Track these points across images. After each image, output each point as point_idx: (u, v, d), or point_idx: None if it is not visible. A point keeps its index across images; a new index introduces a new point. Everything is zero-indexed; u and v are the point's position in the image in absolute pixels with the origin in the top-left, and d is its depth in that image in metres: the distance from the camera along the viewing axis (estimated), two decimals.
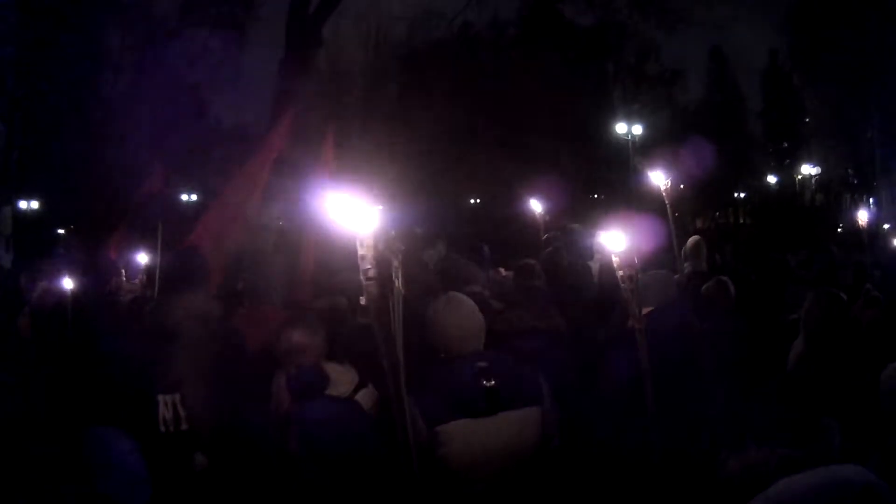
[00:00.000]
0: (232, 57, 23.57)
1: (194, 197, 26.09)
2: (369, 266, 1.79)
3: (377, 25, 28.44)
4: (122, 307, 5.99)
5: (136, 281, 7.05)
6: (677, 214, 5.92)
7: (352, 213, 1.77)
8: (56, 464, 2.07)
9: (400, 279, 1.87)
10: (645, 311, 2.96)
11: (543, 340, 3.81)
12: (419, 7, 27.41)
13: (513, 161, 22.15)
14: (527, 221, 8.69)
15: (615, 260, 2.58)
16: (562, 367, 3.56)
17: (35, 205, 23.60)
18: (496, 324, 3.81)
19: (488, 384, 2.72)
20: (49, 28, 20.72)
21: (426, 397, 2.68)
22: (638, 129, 30.31)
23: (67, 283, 5.13)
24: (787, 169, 37.43)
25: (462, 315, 2.92)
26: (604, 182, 31.44)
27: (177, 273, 4.19)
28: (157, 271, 5.78)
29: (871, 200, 28.74)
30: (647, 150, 26.77)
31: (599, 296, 5.19)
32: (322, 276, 5.30)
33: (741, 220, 38.52)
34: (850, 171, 33.05)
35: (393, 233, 1.85)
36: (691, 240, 6.23)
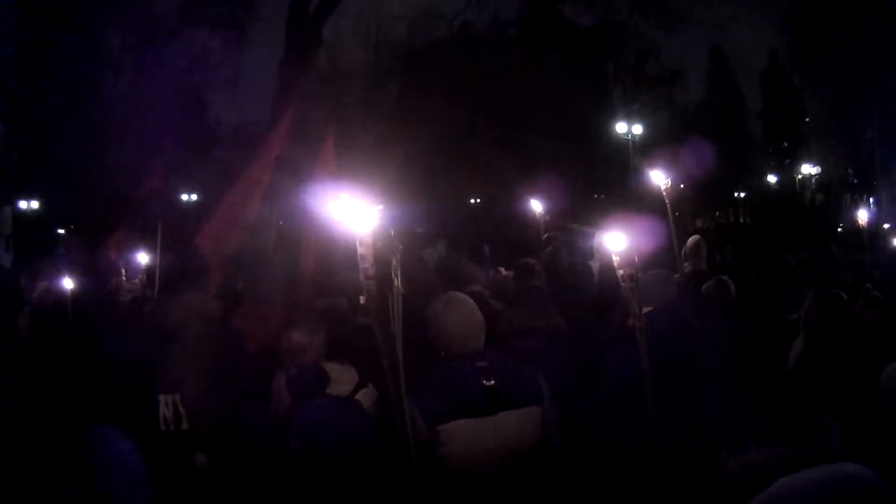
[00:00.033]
0: (232, 57, 23.59)
1: (194, 197, 26.11)
2: (369, 265, 1.79)
3: (377, 25, 28.47)
4: (122, 307, 5.99)
5: (136, 281, 7.05)
6: (677, 214, 5.91)
7: (352, 212, 1.77)
8: (56, 464, 2.07)
9: (399, 278, 1.87)
10: (645, 310, 2.95)
11: (543, 340, 3.81)
12: (419, 7, 27.44)
13: (513, 161, 22.17)
14: (527, 221, 8.69)
15: (615, 259, 2.57)
16: (562, 367, 3.56)
17: (35, 205, 23.60)
18: (496, 323, 3.81)
19: (488, 384, 2.72)
20: (49, 28, 20.73)
21: (426, 397, 2.68)
22: (638, 129, 30.31)
23: (67, 283, 5.13)
24: (787, 169, 37.43)
25: (462, 314, 2.91)
26: (604, 182, 31.46)
27: (177, 273, 4.19)
28: (157, 271, 5.78)
29: (871, 200, 28.74)
30: (647, 150, 26.78)
31: (600, 295, 5.18)
32: (322, 276, 5.30)
33: (741, 220, 38.53)
34: (850, 170, 33.05)
35: (392, 232, 1.85)
36: (691, 239, 6.23)
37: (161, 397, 3.26)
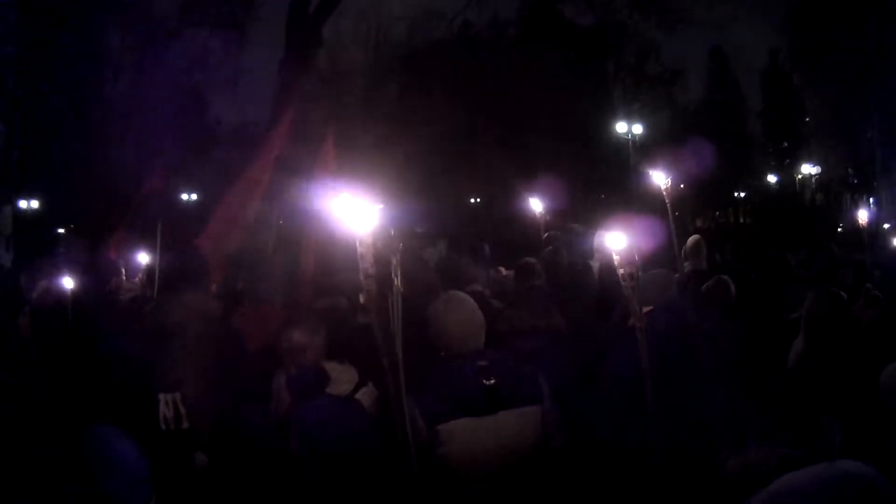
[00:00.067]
0: (232, 57, 23.59)
1: (194, 197, 26.11)
2: (369, 265, 1.79)
3: (377, 25, 28.47)
4: (121, 307, 5.99)
5: (136, 280, 7.05)
6: (677, 214, 5.92)
7: (352, 212, 1.77)
8: (56, 464, 2.07)
9: (399, 278, 1.87)
10: (645, 310, 2.95)
11: (543, 340, 3.80)
12: (419, 7, 27.44)
13: (513, 161, 22.18)
14: (527, 221, 8.69)
15: (616, 258, 2.57)
16: (562, 367, 3.55)
17: (35, 204, 23.61)
18: (496, 323, 3.80)
19: (488, 383, 2.72)
20: (49, 28, 20.72)
21: (426, 396, 2.68)
22: (638, 129, 30.30)
23: (67, 283, 5.13)
24: (787, 169, 37.44)
25: (462, 314, 2.91)
26: (604, 182, 31.46)
27: (176, 273, 4.19)
28: (157, 271, 5.79)
29: (871, 200, 28.74)
30: (647, 149, 26.80)
31: (600, 295, 5.18)
32: (322, 276, 5.30)
33: (741, 220, 38.55)
34: (850, 170, 33.05)
35: (392, 232, 1.85)
36: (691, 239, 6.23)
37: (161, 396, 3.27)
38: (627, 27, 29.86)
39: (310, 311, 4.14)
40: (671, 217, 5.47)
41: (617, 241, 2.57)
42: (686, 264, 5.88)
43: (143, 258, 6.94)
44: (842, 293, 4.13)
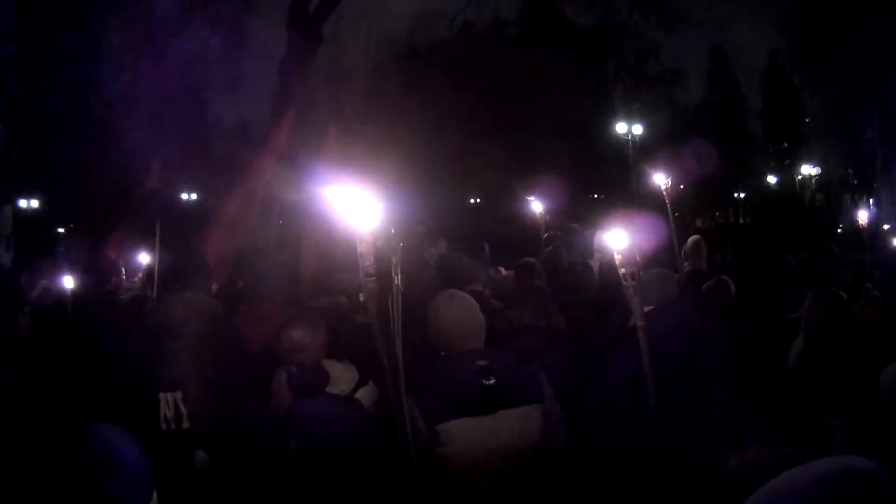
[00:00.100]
0: (232, 56, 23.58)
1: (194, 196, 26.11)
2: (369, 263, 1.79)
3: (377, 24, 28.46)
4: (122, 306, 6.00)
5: (136, 280, 7.06)
6: (677, 214, 5.92)
7: (353, 210, 1.77)
8: (56, 464, 2.07)
9: (399, 276, 1.87)
10: (645, 309, 2.95)
11: (544, 339, 3.79)
12: (419, 6, 27.45)
13: (513, 161, 22.17)
14: (527, 221, 8.69)
15: (617, 258, 2.57)
16: (562, 367, 3.55)
17: (35, 204, 23.61)
18: (496, 322, 3.80)
19: (488, 383, 2.72)
20: (49, 28, 20.72)
21: (426, 396, 2.68)
22: (638, 129, 30.31)
23: (67, 283, 5.13)
24: (787, 169, 37.44)
25: (463, 313, 2.91)
26: (604, 182, 31.47)
27: (176, 272, 4.19)
28: (155, 269, 5.79)
29: (871, 201, 28.74)
30: (647, 149, 26.81)
31: (600, 295, 5.18)
32: (322, 275, 5.30)
33: (741, 221, 38.56)
34: (850, 171, 33.05)
35: (393, 230, 1.85)
36: (691, 239, 6.23)
37: (162, 396, 3.26)
38: (627, 27, 29.88)
39: (310, 309, 4.14)
40: (671, 217, 5.48)
41: (618, 240, 2.56)
42: (686, 264, 5.89)
43: (143, 258, 6.94)
44: (842, 293, 4.13)
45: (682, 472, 2.55)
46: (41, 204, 23.60)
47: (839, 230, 22.67)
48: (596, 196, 32.21)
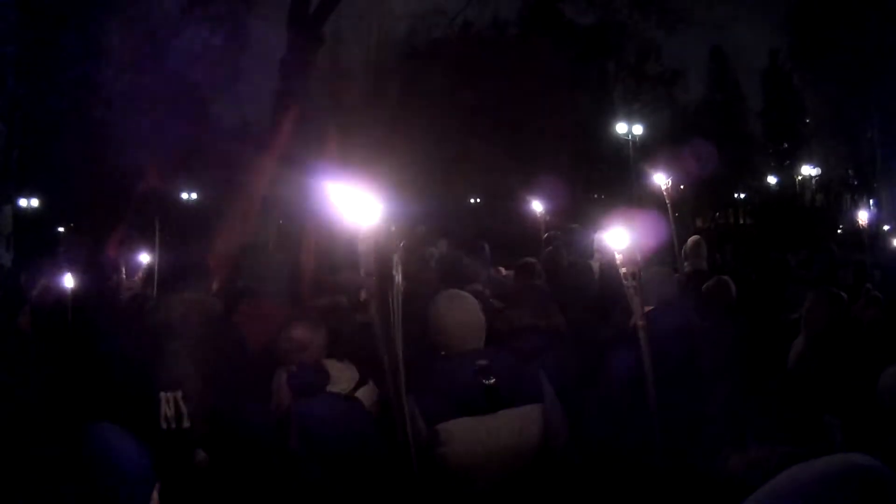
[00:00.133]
0: (232, 56, 23.57)
1: (194, 195, 26.11)
2: (370, 262, 1.79)
3: (378, 24, 28.45)
4: (122, 305, 5.99)
5: (136, 278, 7.05)
6: (677, 214, 5.92)
7: (353, 209, 1.77)
8: (56, 464, 2.07)
9: (400, 274, 1.86)
10: (645, 309, 2.95)
11: (544, 339, 3.80)
12: (420, 6, 27.45)
13: (513, 160, 22.17)
14: (527, 221, 8.70)
15: (618, 257, 2.56)
16: (562, 366, 3.55)
17: (35, 203, 23.61)
18: (496, 322, 3.80)
19: (488, 382, 2.71)
20: (49, 28, 20.71)
21: (426, 395, 2.68)
22: (638, 129, 30.32)
23: (67, 282, 5.12)
24: (787, 169, 37.45)
25: (463, 313, 2.91)
26: (604, 182, 31.47)
27: (176, 271, 4.19)
28: (155, 269, 5.79)
29: (871, 201, 28.74)
30: (647, 149, 26.82)
31: (600, 295, 5.18)
32: (322, 274, 5.31)
33: (741, 221, 38.57)
34: (850, 171, 33.06)
35: (393, 229, 1.84)
36: (691, 239, 6.24)
37: (162, 395, 3.26)
38: (627, 27, 29.88)
39: (310, 309, 4.14)
40: (672, 217, 5.48)
41: (619, 239, 2.56)
42: (686, 264, 5.89)
43: (143, 257, 6.94)
44: (842, 293, 4.13)
45: (682, 472, 2.55)
46: (41, 203, 23.60)
47: (839, 230, 22.68)
48: (596, 196, 32.22)
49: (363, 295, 4.00)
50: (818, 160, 33.81)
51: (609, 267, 5.00)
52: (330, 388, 3.06)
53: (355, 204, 1.77)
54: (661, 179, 5.71)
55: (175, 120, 19.98)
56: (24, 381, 3.59)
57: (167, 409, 3.28)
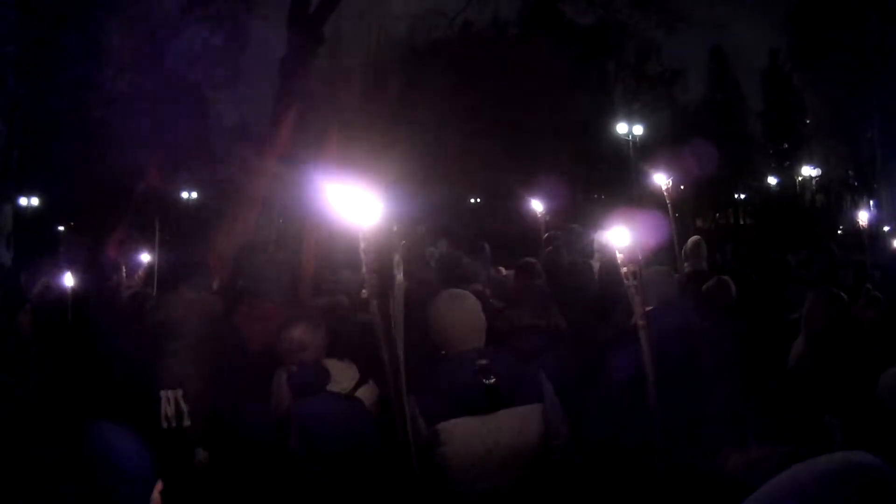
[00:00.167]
0: (233, 55, 23.58)
1: (194, 195, 26.12)
2: (371, 260, 1.79)
3: (378, 24, 28.46)
4: (122, 304, 6.00)
5: (136, 278, 7.05)
6: (677, 215, 5.93)
7: (355, 207, 1.77)
8: (56, 464, 2.06)
9: (401, 274, 1.86)
10: (645, 309, 2.95)
11: (544, 339, 3.80)
12: (420, 6, 27.46)
13: (513, 160, 22.18)
14: (527, 221, 8.69)
15: (619, 256, 2.56)
16: (562, 366, 3.55)
17: (35, 202, 23.61)
18: (497, 322, 3.80)
19: (488, 382, 2.71)
20: (49, 28, 20.71)
21: (426, 395, 2.68)
22: (638, 129, 30.33)
23: (68, 281, 5.13)
24: (787, 170, 37.47)
25: (464, 312, 2.91)
26: (604, 182, 31.48)
27: (176, 271, 4.20)
28: (155, 268, 5.79)
29: (871, 202, 28.74)
30: (647, 149, 26.83)
31: (600, 295, 5.18)
32: (322, 274, 5.31)
33: (741, 221, 38.59)
34: (850, 172, 33.06)
35: (395, 228, 1.84)
36: (691, 239, 6.24)
37: (163, 393, 3.27)
38: (628, 27, 29.89)
39: (310, 309, 4.14)
40: (672, 217, 5.48)
41: (620, 238, 2.56)
42: (686, 265, 5.89)
43: (143, 256, 6.95)
44: (842, 294, 4.13)
45: (682, 472, 2.55)
46: (41, 202, 23.61)
47: (839, 231, 22.67)
48: (596, 196, 32.24)
49: (364, 294, 4.00)
50: (818, 160, 33.82)
51: (609, 266, 5.00)
52: (330, 388, 3.06)
53: (356, 203, 1.77)
54: (661, 179, 5.71)
55: (175, 120, 19.98)
56: (24, 381, 3.59)
57: (168, 408, 3.29)
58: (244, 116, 25.16)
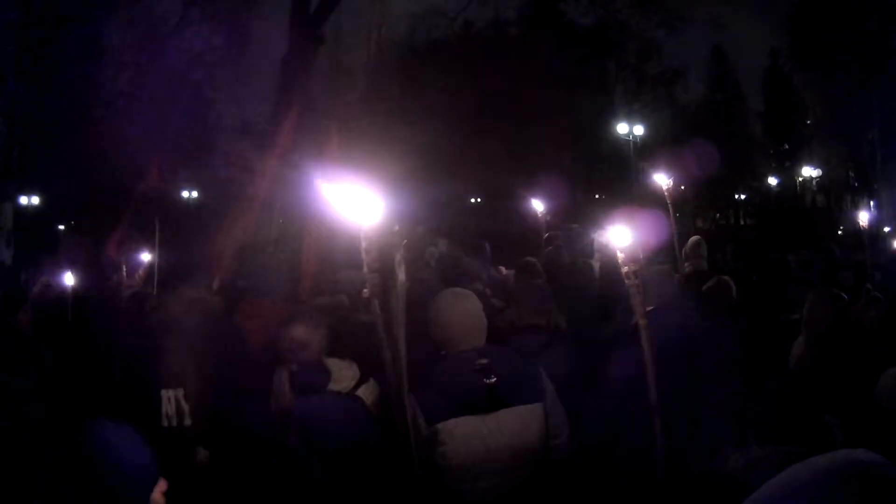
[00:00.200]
0: (233, 55, 23.58)
1: (195, 194, 26.12)
2: (372, 259, 1.79)
3: (378, 24, 28.48)
4: (122, 303, 6.00)
5: (136, 277, 7.06)
6: (678, 215, 5.93)
7: (356, 206, 1.77)
8: (56, 463, 2.06)
9: (403, 273, 1.87)
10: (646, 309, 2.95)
11: (544, 338, 3.80)
12: (420, 5, 27.47)
13: (513, 160, 22.19)
14: (527, 221, 8.70)
15: (619, 256, 2.56)
16: (562, 366, 3.55)
17: (36, 201, 23.61)
18: (497, 321, 3.81)
19: (489, 381, 2.72)
20: (49, 28, 20.71)
21: (427, 394, 2.68)
22: (639, 129, 30.34)
23: (68, 280, 5.13)
24: (787, 170, 37.47)
25: (464, 311, 2.91)
26: (604, 182, 31.50)
27: (177, 269, 4.20)
28: (155, 267, 5.80)
29: (871, 202, 28.74)
30: (647, 149, 26.85)
31: (600, 295, 5.19)
32: (323, 273, 5.31)
33: (742, 221, 38.60)
34: (850, 172, 33.07)
35: (396, 227, 1.85)
36: (692, 239, 6.24)
37: (163, 393, 3.27)
38: (628, 27, 29.90)
39: (311, 307, 4.14)
40: (672, 217, 5.48)
41: (620, 238, 2.56)
42: (686, 265, 5.89)
43: (144, 255, 6.95)
44: (842, 294, 4.13)
45: (683, 472, 2.55)
46: (42, 201, 23.61)
47: (840, 231, 22.66)
48: (596, 196, 32.25)
49: (366, 292, 4.00)
50: (819, 161, 33.82)
51: (609, 266, 5.00)
52: (331, 387, 3.06)
53: (357, 202, 1.77)
54: (661, 179, 5.71)
55: (175, 119, 19.99)
56: (23, 380, 3.59)
57: (168, 407, 3.28)
58: (245, 116, 25.15)
